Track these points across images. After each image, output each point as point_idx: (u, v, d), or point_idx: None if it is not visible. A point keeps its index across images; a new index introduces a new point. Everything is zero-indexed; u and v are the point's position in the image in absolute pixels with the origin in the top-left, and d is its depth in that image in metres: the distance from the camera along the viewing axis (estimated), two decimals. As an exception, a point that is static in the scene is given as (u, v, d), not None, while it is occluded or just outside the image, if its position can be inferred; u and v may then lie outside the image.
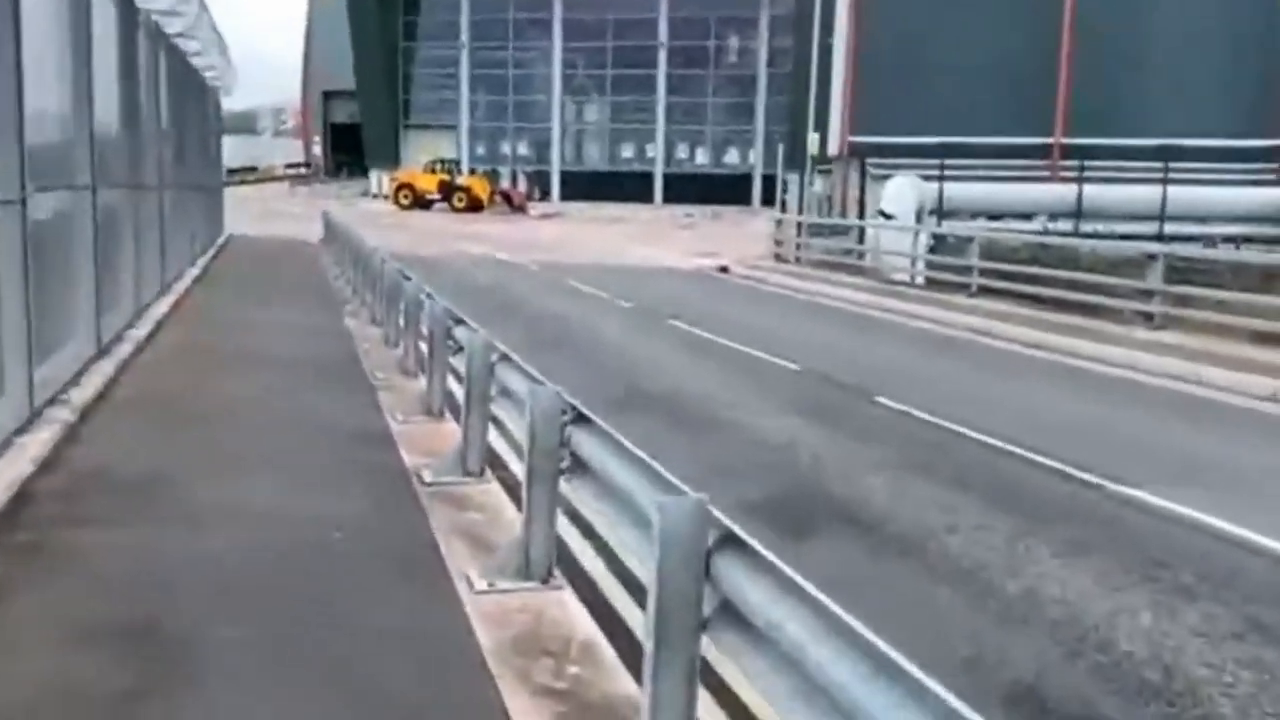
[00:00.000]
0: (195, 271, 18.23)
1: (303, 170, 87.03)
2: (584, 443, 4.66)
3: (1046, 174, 35.57)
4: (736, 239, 40.00)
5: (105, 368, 8.68)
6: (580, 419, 4.74)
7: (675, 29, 65.05)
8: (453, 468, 6.38)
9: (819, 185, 61.01)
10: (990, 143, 32.39)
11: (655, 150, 67.21)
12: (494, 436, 6.82)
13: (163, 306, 13.08)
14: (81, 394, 7.64)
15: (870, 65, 37.97)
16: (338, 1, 69.36)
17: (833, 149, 48.82)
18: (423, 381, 9.36)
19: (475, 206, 55.03)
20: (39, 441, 6.16)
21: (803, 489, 7.35)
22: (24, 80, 6.29)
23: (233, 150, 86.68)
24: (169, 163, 16.19)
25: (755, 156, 65.89)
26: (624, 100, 67.24)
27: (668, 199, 65.49)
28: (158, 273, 14.07)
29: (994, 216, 28.18)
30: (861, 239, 26.73)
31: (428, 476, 6.28)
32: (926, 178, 27.41)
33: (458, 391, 8.60)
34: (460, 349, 7.85)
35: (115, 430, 7.04)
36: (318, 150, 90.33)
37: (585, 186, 65.73)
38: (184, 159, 18.16)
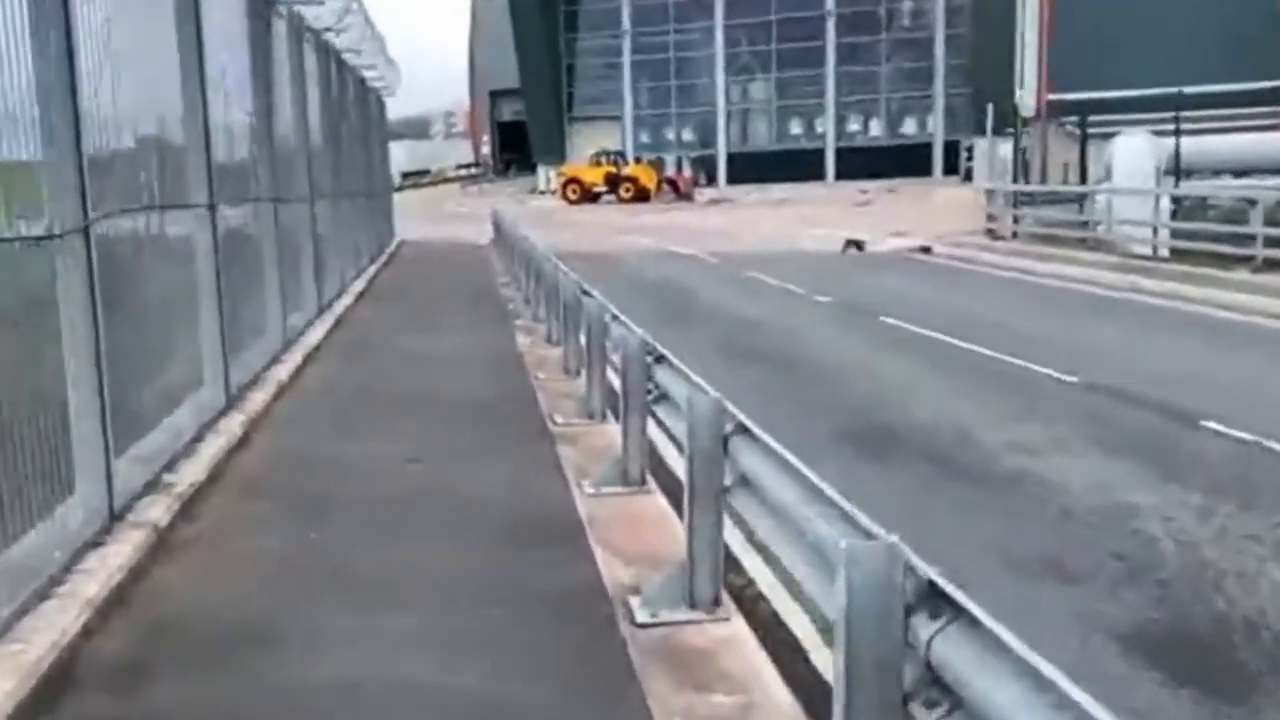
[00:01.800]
0: (360, 284, 17.04)
1: (473, 170, 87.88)
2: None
3: (1277, 123, 31.01)
4: (925, 214, 36.75)
5: (231, 426, 7.13)
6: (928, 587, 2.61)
7: (843, -4, 61.55)
8: (675, 591, 4.37)
9: (1004, 150, 56.62)
10: (1210, 91, 28.05)
11: (825, 124, 63.87)
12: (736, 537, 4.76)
13: (317, 333, 11.69)
14: (192, 470, 6.04)
15: (1066, 15, 33.87)
16: (502, 1, 69.34)
17: (1027, 110, 44.81)
18: (613, 426, 7.43)
19: (642, 196, 53.49)
20: (95, 582, 4.43)
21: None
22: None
23: (406, 155, 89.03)
24: (326, 172, 14.95)
25: (935, 124, 61.70)
26: (790, 76, 64.19)
27: (840, 175, 62.08)
28: (312, 294, 12.74)
29: (1238, 173, 24.25)
30: (1082, 208, 23.39)
31: (640, 612, 4.27)
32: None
33: (665, 448, 6.65)
34: (663, 396, 5.84)
35: (216, 541, 5.36)
36: (486, 150, 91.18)
37: (752, 168, 63.14)
38: (344, 167, 16.98)
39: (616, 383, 8.25)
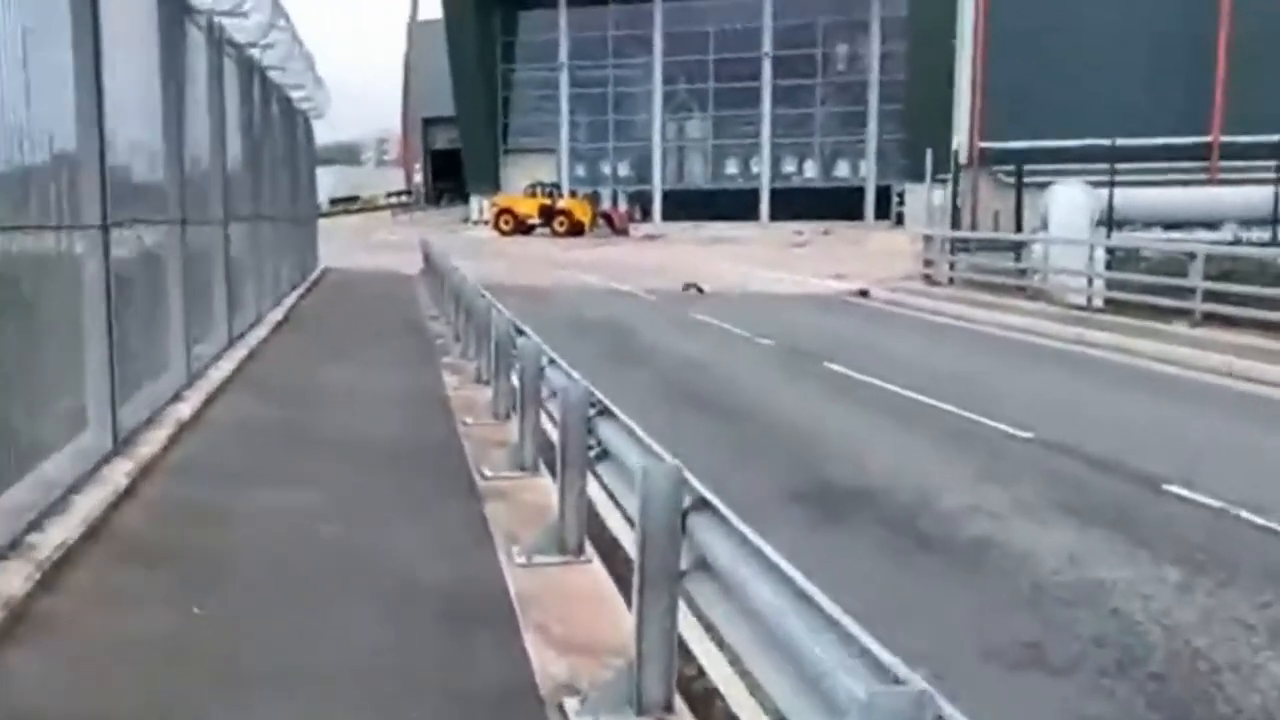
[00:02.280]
0: (279, 314, 16.13)
1: (404, 198, 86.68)
2: None
3: (1205, 177, 31.83)
4: (861, 258, 36.92)
5: (116, 474, 6.31)
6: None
7: (780, 38, 62.14)
8: (619, 692, 3.74)
9: (938, 196, 57.50)
10: (1143, 144, 28.55)
11: (760, 164, 64.28)
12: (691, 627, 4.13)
13: (226, 366, 10.82)
14: (61, 529, 5.23)
15: (999, 65, 34.39)
16: (436, 27, 68.58)
17: (962, 157, 45.47)
18: (547, 480, 6.78)
19: (576, 230, 53.07)
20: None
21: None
22: None
23: (336, 181, 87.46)
24: (244, 193, 14.10)
25: (868, 168, 62.45)
26: (727, 115, 64.55)
27: (774, 216, 62.43)
28: (223, 323, 11.87)
29: (1169, 226, 24.62)
30: (1019, 256, 23.45)
31: (575, 714, 3.62)
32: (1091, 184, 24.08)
33: (604, 506, 6.03)
34: (604, 454, 5.24)
35: (80, 620, 4.58)
36: (419, 178, 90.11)
37: (687, 205, 63.21)
38: (265, 189, 16.13)
39: (552, 431, 7.65)
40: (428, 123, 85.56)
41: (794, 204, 61.25)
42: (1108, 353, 14.47)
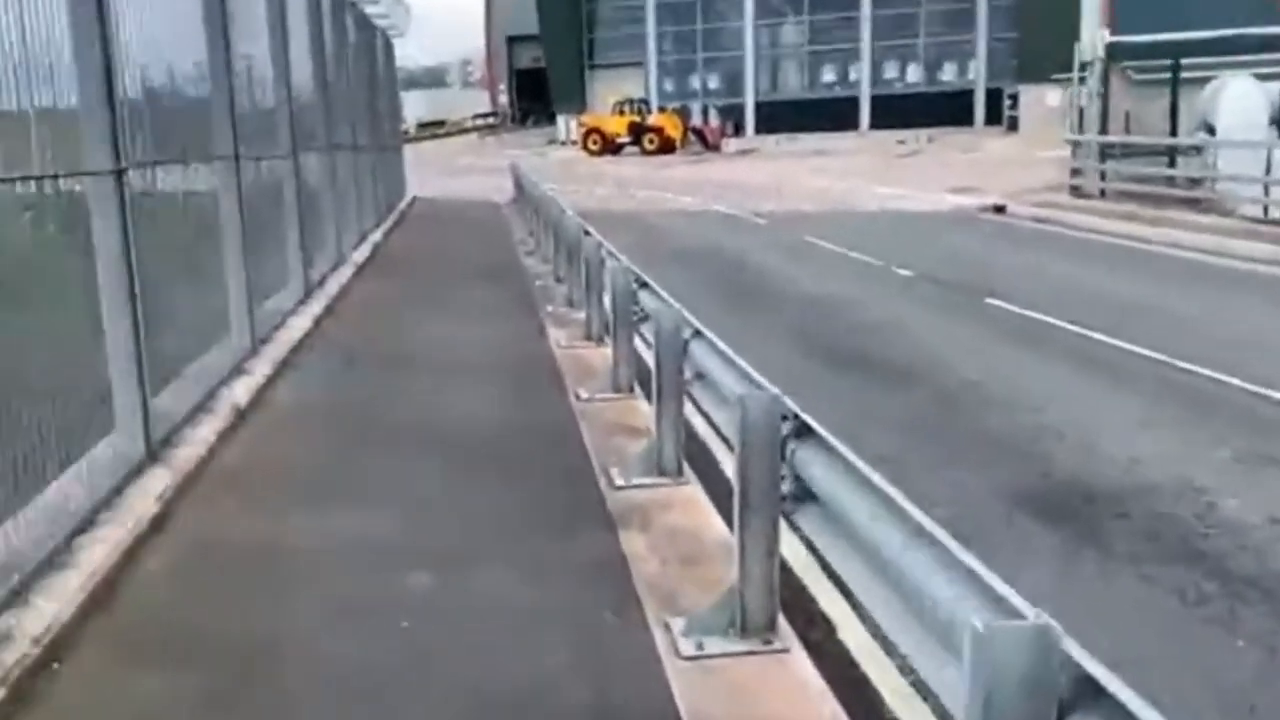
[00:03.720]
0: (364, 252, 14.74)
1: (490, 120, 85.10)
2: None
3: None
4: (978, 168, 34.06)
5: (143, 499, 4.87)
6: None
7: (881, -67, 57.99)
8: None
9: (1054, 98, 53.43)
10: (1267, 34, 24.91)
11: (860, 71, 60.66)
12: None
13: (300, 324, 9.40)
14: (55, 600, 3.79)
15: None
16: (518, -59, 66.01)
17: (1085, 54, 41.64)
18: (700, 492, 5.16)
19: (667, 147, 50.80)
20: None
21: None
22: None
23: (424, 104, 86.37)
24: (316, 121, 12.59)
25: (977, 70, 58.39)
26: (823, 18, 60.88)
27: (875, 125, 59.06)
28: (298, 271, 10.44)
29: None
30: (1173, 163, 20.73)
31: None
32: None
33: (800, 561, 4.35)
34: (807, 493, 3.55)
35: None
36: (504, 99, 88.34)
37: (782, 117, 60.19)
38: (341, 116, 14.60)
39: (697, 422, 5.99)
40: (511, 41, 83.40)
41: (896, 111, 57.77)
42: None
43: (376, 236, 16.67)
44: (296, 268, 10.54)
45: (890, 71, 60.57)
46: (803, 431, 3.57)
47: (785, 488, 3.64)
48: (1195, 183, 19.09)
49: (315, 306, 10.37)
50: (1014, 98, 54.07)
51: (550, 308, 10.79)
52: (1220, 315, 11.00)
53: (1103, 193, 19.70)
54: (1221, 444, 6.53)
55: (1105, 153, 20.75)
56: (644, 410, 6.49)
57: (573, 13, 63.03)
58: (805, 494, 3.57)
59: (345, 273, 12.70)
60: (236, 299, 7.88)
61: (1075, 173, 20.46)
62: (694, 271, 14.06)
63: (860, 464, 3.14)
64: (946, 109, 56.96)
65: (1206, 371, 8.04)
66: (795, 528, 3.68)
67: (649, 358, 5.95)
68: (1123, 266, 14.18)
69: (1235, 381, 7.72)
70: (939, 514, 2.77)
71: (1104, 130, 20.44)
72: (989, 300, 11.55)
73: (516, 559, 4.49)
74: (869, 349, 9.53)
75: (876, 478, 3.02)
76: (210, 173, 7.57)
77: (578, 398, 7.14)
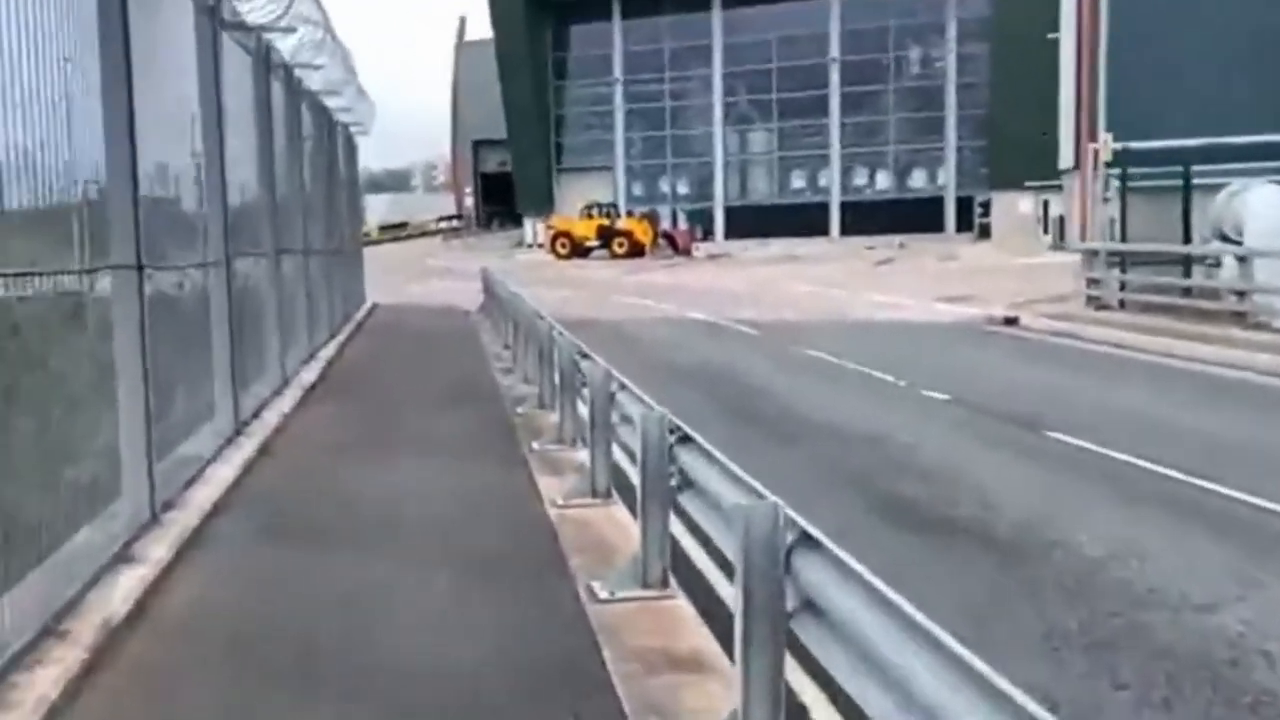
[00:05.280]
0: (312, 373, 12.80)
1: (455, 223, 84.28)
2: None
3: None
4: (963, 275, 33.03)
5: None
6: None
7: (847, 43, 58.47)
8: None
9: (1028, 205, 53.18)
10: (1272, 141, 24.08)
11: (829, 177, 60.52)
12: None
13: (222, 476, 7.39)
14: None
15: (1109, 59, 29.96)
16: (484, 48, 65.93)
17: (1065, 160, 41.25)
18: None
19: (637, 251, 49.80)
20: None
21: None
22: None
23: (386, 207, 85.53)
24: (261, 222, 10.80)
25: (946, 176, 58.36)
26: (792, 125, 60.98)
27: (845, 230, 58.67)
28: (226, 408, 8.49)
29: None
30: (1188, 272, 19.48)
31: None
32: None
33: None
34: None
35: None
36: (470, 202, 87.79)
37: (751, 222, 59.73)
38: (291, 216, 12.85)
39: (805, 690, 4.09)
40: (477, 145, 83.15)
41: (865, 217, 57.42)
42: None
43: (329, 351, 14.75)
44: (224, 399, 8.59)
45: (860, 178, 60.44)
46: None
47: None
48: (1215, 294, 17.76)
49: (247, 448, 8.38)
50: (985, 205, 53.85)
51: (537, 444, 8.87)
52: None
53: (1122, 304, 18.31)
54: None
55: (1124, 262, 19.46)
56: (689, 622, 4.56)
57: (541, 117, 62.63)
58: None
59: (289, 399, 10.74)
60: (131, 453, 5.91)
61: (1092, 282, 19.08)
62: (698, 394, 12.27)
63: None
64: (916, 215, 56.69)
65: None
66: None
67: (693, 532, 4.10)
68: (1178, 389, 12.57)
69: None
70: None
71: (1122, 238, 19.17)
72: (1048, 434, 9.83)
73: None
74: (935, 503, 7.68)
75: None
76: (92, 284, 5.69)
77: (593, 597, 5.19)
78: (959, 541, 6.78)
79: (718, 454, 4.77)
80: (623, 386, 6.98)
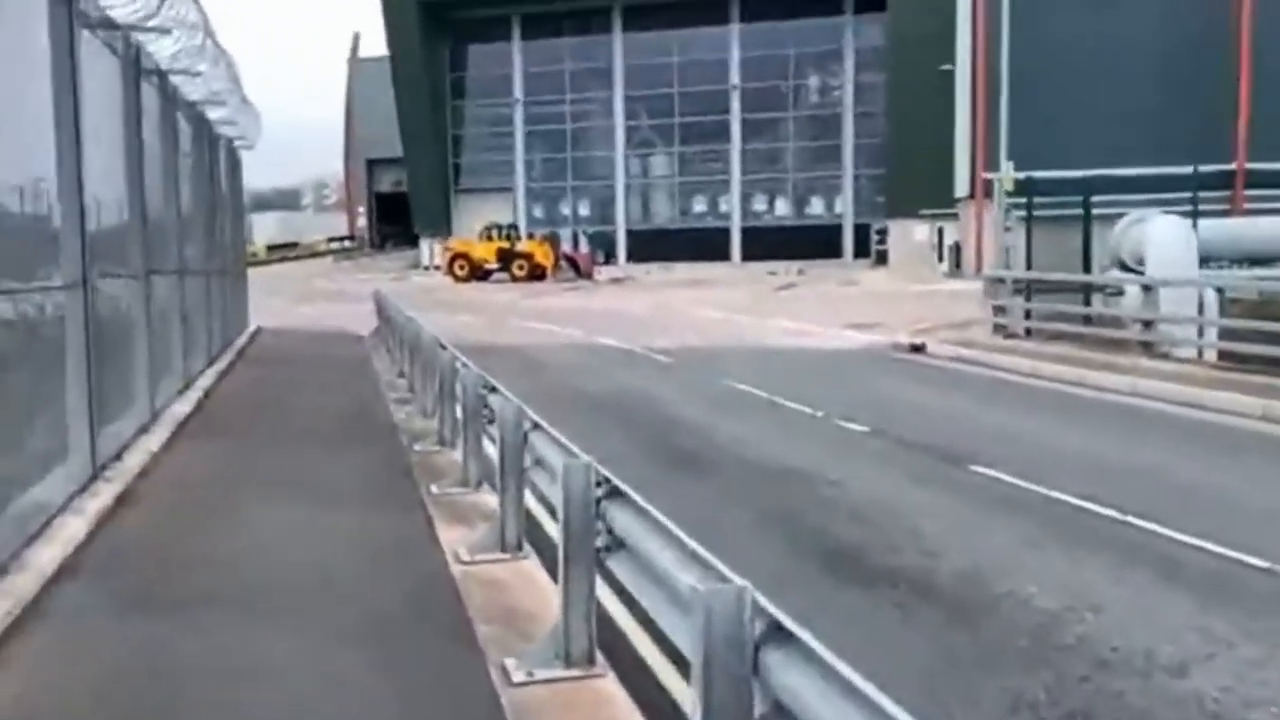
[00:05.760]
0: (186, 405, 11.69)
1: (346, 244, 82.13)
2: None
3: (1227, 207, 28.61)
4: (865, 301, 33.16)
5: None
6: None
7: (748, 69, 58.95)
8: None
9: (920, 233, 54.13)
10: (1163, 174, 24.85)
11: (730, 203, 60.77)
12: None
13: (70, 532, 6.38)
14: None
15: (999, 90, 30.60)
16: (380, 65, 64.43)
17: (960, 189, 41.98)
18: None
19: (538, 274, 48.93)
20: None
21: None
22: None
23: (275, 227, 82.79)
24: (130, 240, 9.76)
25: (844, 204, 59.16)
26: (694, 150, 61.14)
27: (746, 256, 58.97)
28: (82, 449, 7.45)
29: (1257, 262, 21.11)
30: (1088, 301, 19.70)
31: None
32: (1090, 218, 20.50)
33: None
34: None
35: None
36: (363, 222, 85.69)
37: (652, 246, 59.57)
38: (162, 234, 11.76)
39: None
40: (371, 164, 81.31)
41: (766, 242, 57.80)
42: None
43: (207, 381, 13.59)
44: (79, 438, 7.55)
45: (760, 203, 60.84)
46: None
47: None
48: (1120, 323, 17.93)
49: (105, 494, 7.35)
50: (882, 233, 54.68)
51: (436, 487, 8.06)
52: (1241, 483, 9.19)
53: (1028, 331, 18.34)
54: None
55: (1021, 289, 19.54)
56: (629, 702, 3.87)
57: (438, 136, 61.41)
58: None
59: (158, 436, 9.66)
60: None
61: (998, 310, 19.10)
62: (611, 427, 11.61)
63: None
64: (815, 241, 57.26)
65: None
66: None
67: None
68: (1093, 419, 12.42)
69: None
70: None
71: (1028, 265, 19.26)
72: (974, 468, 9.45)
73: None
74: (872, 549, 7.14)
75: None
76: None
77: (507, 678, 4.44)
78: (903, 595, 6.23)
79: (655, 512, 4.12)
80: (536, 426, 6.28)
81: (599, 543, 4.58)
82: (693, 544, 3.68)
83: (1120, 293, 18.90)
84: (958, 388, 15.04)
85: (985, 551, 7.10)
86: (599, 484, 4.63)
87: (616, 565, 4.50)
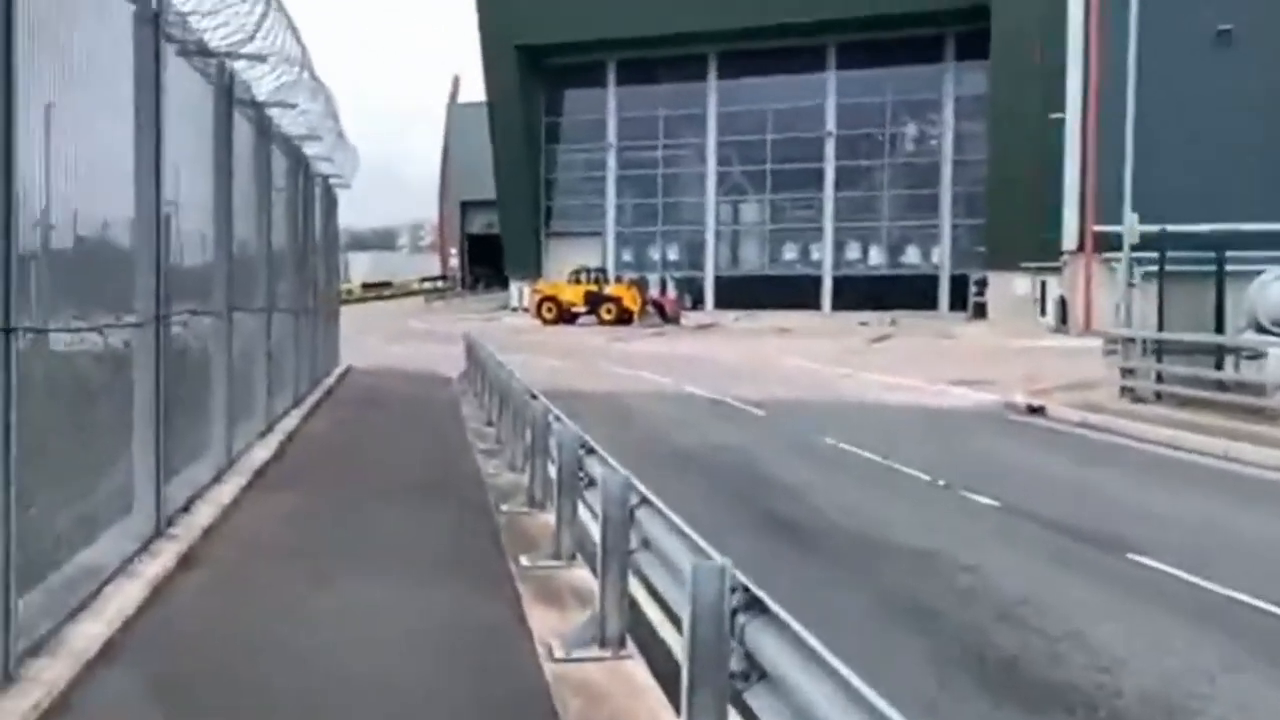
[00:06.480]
0: (266, 450, 11.14)
1: (439, 284, 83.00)
2: None
3: None
4: (968, 357, 31.68)
5: None
6: None
7: (844, 116, 58.02)
8: None
9: (1024, 286, 52.12)
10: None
11: (822, 250, 59.63)
12: None
13: (127, 598, 5.72)
14: None
15: (1114, 140, 28.96)
16: (477, 110, 65.27)
17: (1069, 241, 40.22)
18: None
19: (625, 318, 48.38)
20: None
21: None
22: None
23: (370, 266, 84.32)
24: (214, 277, 9.27)
25: (941, 254, 57.56)
26: (785, 198, 60.26)
27: (837, 305, 57.59)
28: (147, 503, 6.84)
29: None
30: (1220, 364, 18.14)
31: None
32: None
33: None
34: None
35: None
36: (455, 262, 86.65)
37: (741, 292, 58.67)
38: (252, 271, 11.32)
39: None
40: (465, 207, 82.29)
41: (857, 292, 56.45)
42: None
43: (292, 423, 13.09)
44: (145, 490, 6.95)
45: (853, 252, 59.62)
46: None
47: None
48: (1261, 389, 16.38)
49: (165, 556, 6.70)
50: (980, 284, 52.91)
51: (525, 559, 7.24)
52: None
53: (1159, 395, 16.91)
54: None
55: (1152, 350, 18.10)
56: None
57: (531, 180, 61.74)
58: None
59: (231, 486, 9.06)
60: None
61: (1127, 372, 17.69)
62: (709, 489, 10.71)
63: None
64: (908, 292, 55.76)
65: None
66: None
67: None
68: (1255, 500, 11.07)
69: None
70: None
71: (1159, 325, 17.85)
72: (1132, 556, 8.29)
73: None
74: (1033, 658, 6.07)
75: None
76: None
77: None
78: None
79: (809, 637, 3.22)
80: (644, 501, 5.43)
81: (733, 665, 3.69)
82: (857, 682, 2.78)
83: (1257, 356, 17.39)
84: (1090, 457, 13.73)
85: (1169, 665, 5.98)
86: (734, 589, 3.75)
87: (753, 698, 3.60)
